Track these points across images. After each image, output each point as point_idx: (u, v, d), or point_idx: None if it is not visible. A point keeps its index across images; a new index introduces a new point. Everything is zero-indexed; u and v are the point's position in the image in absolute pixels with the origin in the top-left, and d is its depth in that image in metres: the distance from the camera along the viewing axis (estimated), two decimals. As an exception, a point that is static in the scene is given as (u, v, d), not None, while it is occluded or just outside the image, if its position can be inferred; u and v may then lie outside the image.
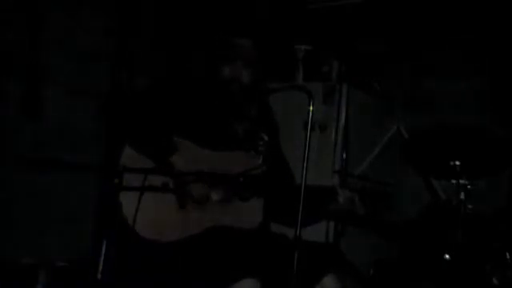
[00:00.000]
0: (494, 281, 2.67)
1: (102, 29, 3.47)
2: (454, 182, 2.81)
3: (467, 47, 3.79)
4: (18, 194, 3.10)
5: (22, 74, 3.13)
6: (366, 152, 3.63)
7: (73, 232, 3.28)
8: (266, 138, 2.39)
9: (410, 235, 3.06)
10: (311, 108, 1.96)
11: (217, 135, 2.29)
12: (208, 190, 2.20)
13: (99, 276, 1.75)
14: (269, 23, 4.07)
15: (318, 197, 2.26)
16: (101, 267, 1.76)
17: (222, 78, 2.30)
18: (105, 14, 3.49)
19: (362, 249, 3.43)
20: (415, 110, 3.91)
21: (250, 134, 2.39)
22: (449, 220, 2.80)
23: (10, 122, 3.10)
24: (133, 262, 2.15)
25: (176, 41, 3.87)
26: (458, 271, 2.72)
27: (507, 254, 2.70)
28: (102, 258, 1.76)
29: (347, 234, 3.30)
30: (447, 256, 2.75)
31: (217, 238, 2.15)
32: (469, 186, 2.77)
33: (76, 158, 3.28)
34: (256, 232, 2.22)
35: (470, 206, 2.77)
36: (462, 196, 2.77)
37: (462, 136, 2.72)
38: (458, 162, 2.76)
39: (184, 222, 2.14)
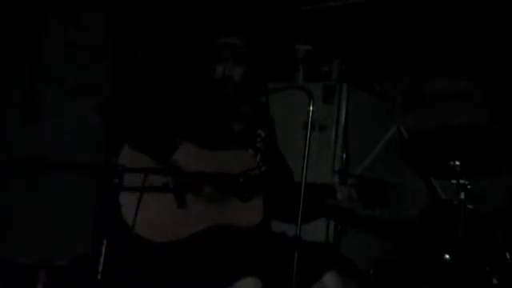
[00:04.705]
0: (494, 281, 2.67)
1: (102, 29, 3.47)
2: (453, 182, 2.81)
3: (467, 47, 3.79)
4: (18, 194, 3.10)
5: (22, 74, 3.13)
6: (365, 152, 3.62)
7: (73, 232, 3.28)
8: (262, 134, 2.40)
9: (410, 235, 3.05)
10: (311, 108, 1.96)
11: (214, 135, 2.30)
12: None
13: (99, 276, 1.75)
14: (269, 23, 4.07)
15: (316, 193, 2.27)
16: (101, 267, 1.76)
17: (215, 77, 2.33)
18: (105, 14, 3.49)
19: (361, 249, 3.43)
20: (415, 110, 3.91)
21: (246, 132, 2.39)
22: (449, 220, 2.80)
23: (10, 122, 3.10)
24: (133, 262, 2.15)
25: (176, 41, 3.87)
26: (458, 271, 2.72)
27: (507, 254, 2.70)
28: (102, 258, 1.76)
29: (347, 234, 3.30)
30: (447, 256, 2.75)
31: (217, 238, 2.15)
32: (469, 186, 2.77)
33: (76, 157, 3.28)
34: (256, 231, 2.22)
35: (469, 206, 2.77)
36: (462, 196, 2.77)
37: (462, 136, 2.72)
38: (457, 162, 2.76)
39: (184, 221, 2.14)
